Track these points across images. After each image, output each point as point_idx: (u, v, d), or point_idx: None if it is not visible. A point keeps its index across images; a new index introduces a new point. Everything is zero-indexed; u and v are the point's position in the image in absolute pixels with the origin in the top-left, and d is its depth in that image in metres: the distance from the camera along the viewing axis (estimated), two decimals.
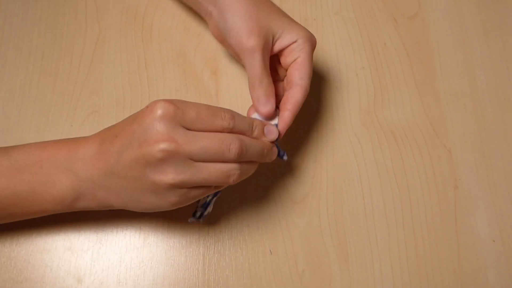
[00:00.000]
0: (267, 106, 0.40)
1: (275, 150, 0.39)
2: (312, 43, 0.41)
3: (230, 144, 0.34)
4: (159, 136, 0.33)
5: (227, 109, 0.36)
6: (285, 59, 0.41)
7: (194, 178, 0.34)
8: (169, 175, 0.33)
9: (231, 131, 0.35)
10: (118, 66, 0.49)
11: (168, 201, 0.35)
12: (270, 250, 0.44)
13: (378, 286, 0.43)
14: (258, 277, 0.43)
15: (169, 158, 0.33)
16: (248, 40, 0.39)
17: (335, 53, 0.51)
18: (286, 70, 0.42)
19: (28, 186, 0.37)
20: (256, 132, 0.38)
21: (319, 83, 0.50)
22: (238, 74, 0.49)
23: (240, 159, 0.35)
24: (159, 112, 0.33)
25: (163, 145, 0.32)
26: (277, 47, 0.41)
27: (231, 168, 0.35)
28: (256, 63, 0.39)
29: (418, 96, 0.49)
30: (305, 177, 0.46)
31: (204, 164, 0.34)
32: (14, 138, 0.46)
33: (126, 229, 0.44)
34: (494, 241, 0.45)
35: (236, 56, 0.44)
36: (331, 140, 0.47)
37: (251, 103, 0.48)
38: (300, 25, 0.42)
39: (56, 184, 0.36)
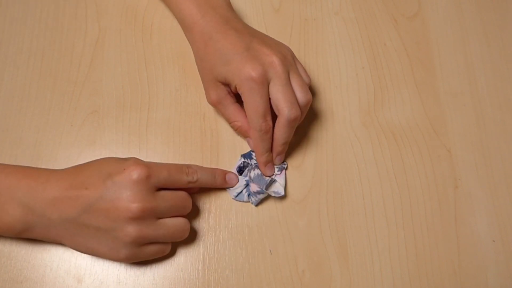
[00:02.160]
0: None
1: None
2: (248, 80, 0.40)
3: (189, 202, 0.41)
4: (132, 198, 0.36)
5: (191, 165, 0.41)
6: None
7: (154, 234, 0.38)
8: (132, 233, 0.37)
9: (195, 183, 0.41)
10: (118, 66, 0.49)
11: (118, 255, 0.38)
12: (270, 250, 0.44)
13: (378, 286, 0.43)
14: (258, 277, 0.43)
15: (137, 218, 0.36)
16: (207, 96, 0.44)
17: (335, 53, 0.51)
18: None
19: None
20: (218, 181, 0.43)
21: (319, 83, 0.50)
22: None
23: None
24: (134, 176, 0.37)
25: (134, 206, 0.36)
26: (234, 90, 0.43)
27: (187, 225, 0.40)
28: (221, 113, 0.45)
29: (418, 96, 0.49)
30: (305, 177, 0.46)
31: (164, 221, 0.38)
32: (14, 138, 0.46)
33: None
34: (494, 241, 0.45)
35: None
36: (331, 140, 0.47)
37: None
38: (244, 60, 0.41)
39: (9, 213, 0.37)
